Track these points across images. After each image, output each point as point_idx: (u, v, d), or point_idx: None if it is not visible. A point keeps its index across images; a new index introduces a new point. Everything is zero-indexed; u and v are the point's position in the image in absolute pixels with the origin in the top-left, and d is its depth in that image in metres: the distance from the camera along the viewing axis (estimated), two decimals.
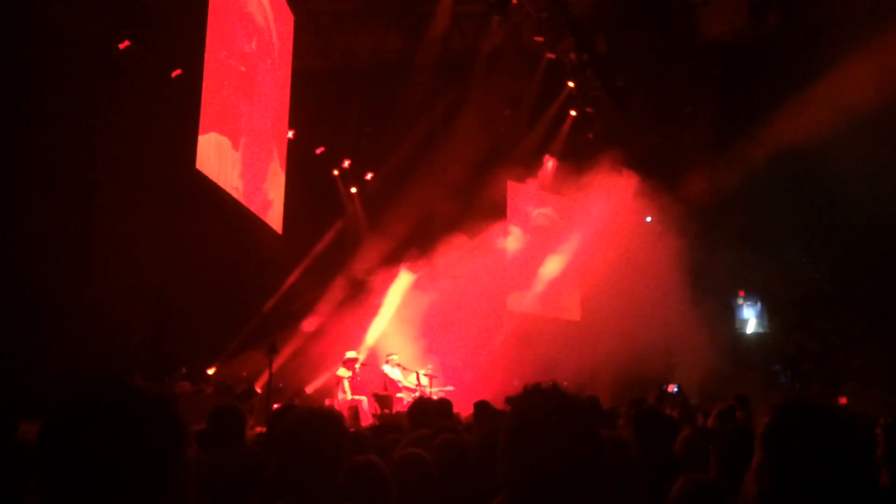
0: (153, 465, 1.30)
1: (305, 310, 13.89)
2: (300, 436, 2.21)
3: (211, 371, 12.01)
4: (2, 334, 8.39)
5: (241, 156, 11.10)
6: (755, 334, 17.98)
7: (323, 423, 2.25)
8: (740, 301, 18.24)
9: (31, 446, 2.99)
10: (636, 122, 15.56)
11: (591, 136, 16.62)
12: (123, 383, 1.35)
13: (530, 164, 16.67)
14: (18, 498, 2.81)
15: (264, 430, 6.62)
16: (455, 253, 14.68)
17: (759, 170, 14.25)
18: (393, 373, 12.82)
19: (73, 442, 1.27)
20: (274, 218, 12.48)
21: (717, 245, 15.08)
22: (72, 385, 1.36)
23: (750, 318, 18.21)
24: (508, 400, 7.50)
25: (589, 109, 16.40)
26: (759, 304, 18.13)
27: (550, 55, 15.07)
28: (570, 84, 15.78)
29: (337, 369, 12.28)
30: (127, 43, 10.58)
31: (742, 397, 7.48)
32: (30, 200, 9.39)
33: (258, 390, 11.61)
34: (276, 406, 8.74)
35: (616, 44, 15.56)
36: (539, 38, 14.74)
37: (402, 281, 14.90)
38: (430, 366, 13.53)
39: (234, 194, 10.97)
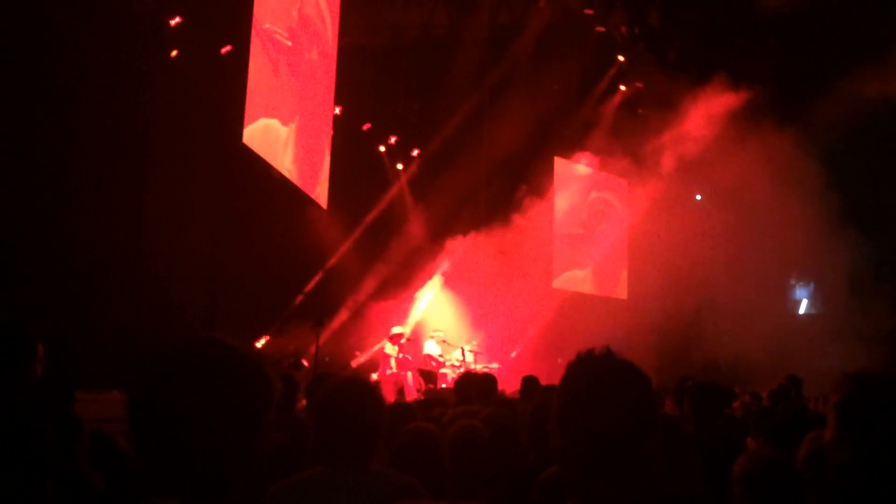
0: (243, 419, 1.30)
1: (352, 285, 14.00)
2: (336, 403, 2.24)
3: (260, 344, 12.22)
4: (58, 309, 8.62)
5: (287, 131, 11.17)
6: (807, 315, 17.55)
7: (358, 391, 2.28)
8: (792, 281, 17.80)
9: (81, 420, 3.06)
10: (688, 97, 15.17)
11: (641, 111, 16.31)
12: (215, 340, 1.35)
13: (578, 140, 16.46)
14: (73, 465, 2.87)
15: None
16: (501, 229, 14.62)
17: (815, 145, 13.83)
18: (436, 349, 12.88)
19: (166, 394, 1.28)
20: (320, 193, 12.57)
21: (769, 224, 14.71)
22: (162, 344, 1.36)
23: (802, 299, 17.78)
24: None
25: (639, 84, 16.09)
26: (812, 285, 17.67)
27: (601, 28, 14.80)
28: (621, 58, 15.48)
29: (383, 344, 12.38)
30: (179, 20, 10.71)
31: (794, 377, 7.31)
32: (84, 176, 9.59)
33: (305, 364, 11.78)
34: None
35: (669, 16, 15.17)
36: (589, 11, 14.48)
37: (448, 256, 14.92)
38: (474, 342, 13.58)
39: (282, 170, 11.07)
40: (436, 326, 13.60)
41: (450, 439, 2.90)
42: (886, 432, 1.59)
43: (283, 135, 10.93)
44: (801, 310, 17.68)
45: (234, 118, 9.83)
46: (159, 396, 1.28)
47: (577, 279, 16.49)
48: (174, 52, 10.72)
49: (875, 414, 1.62)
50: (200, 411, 1.26)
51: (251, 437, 1.30)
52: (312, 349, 10.76)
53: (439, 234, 14.97)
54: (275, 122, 10.66)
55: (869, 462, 1.61)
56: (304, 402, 6.88)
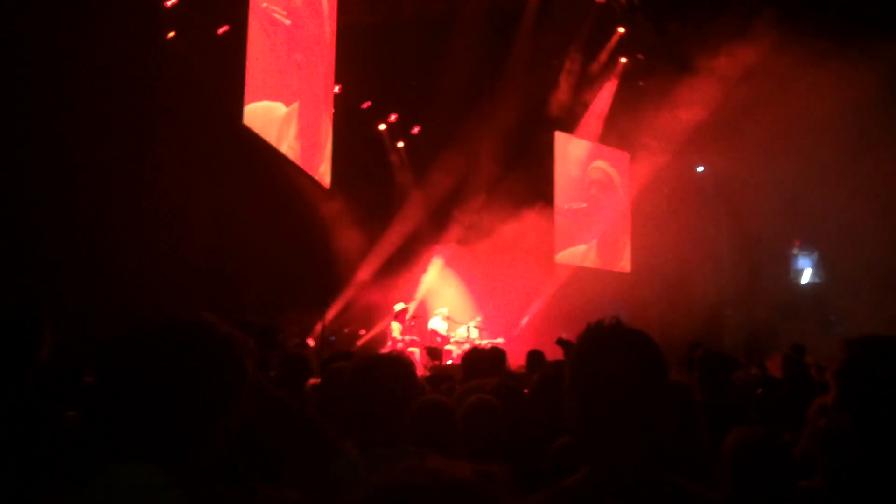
0: (214, 395, 1.35)
1: (355, 264, 14.02)
2: (370, 378, 2.25)
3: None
4: (63, 296, 8.63)
5: (288, 111, 11.14)
6: (810, 284, 17.58)
7: (392, 366, 2.30)
8: (795, 251, 17.81)
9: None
10: (688, 68, 15.06)
11: (641, 83, 16.22)
12: (199, 321, 1.40)
13: (579, 114, 16.39)
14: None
15: (317, 381, 6.77)
16: (504, 204, 14.61)
17: (819, 111, 13.71)
18: (441, 326, 12.95)
19: (128, 366, 1.34)
20: (323, 172, 12.56)
21: (772, 193, 14.67)
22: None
23: (805, 269, 17.80)
24: (560, 342, 7.52)
25: (640, 56, 15.99)
26: (815, 254, 17.69)
27: (600, 0, 14.69)
28: (621, 30, 15.37)
29: (389, 322, 12.44)
30: (175, 1, 10.64)
31: (798, 346, 7.36)
32: (83, 161, 9.55)
33: (310, 343, 11.84)
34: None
35: None
36: None
37: (451, 232, 14.93)
38: (478, 318, 13.64)
39: (283, 150, 11.04)
40: (440, 304, 13.65)
41: (465, 413, 2.93)
42: (886, 395, 1.60)
43: (283, 115, 10.90)
44: (805, 279, 17.70)
45: (234, 99, 9.78)
46: (139, 370, 1.34)
47: (579, 253, 16.50)
48: (171, 34, 10.66)
49: (874, 376, 1.64)
50: (174, 385, 1.32)
51: (222, 412, 1.37)
52: (317, 328, 10.81)
53: (441, 211, 14.96)
54: (275, 103, 10.63)
55: (868, 425, 1.63)
56: (311, 381, 6.94)
